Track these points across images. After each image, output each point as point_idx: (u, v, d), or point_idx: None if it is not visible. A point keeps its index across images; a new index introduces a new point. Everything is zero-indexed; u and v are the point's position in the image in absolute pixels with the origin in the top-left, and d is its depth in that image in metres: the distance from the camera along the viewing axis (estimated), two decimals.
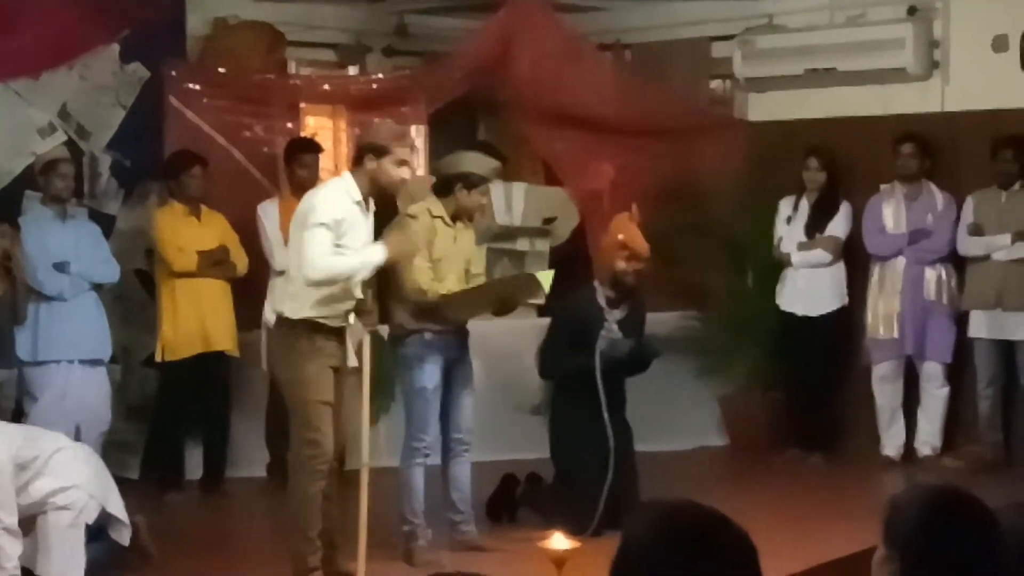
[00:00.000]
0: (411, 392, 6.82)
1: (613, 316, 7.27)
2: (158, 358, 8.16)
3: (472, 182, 6.77)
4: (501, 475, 7.66)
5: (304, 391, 6.18)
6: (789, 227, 9.13)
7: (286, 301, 6.27)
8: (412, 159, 6.89)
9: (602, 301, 7.28)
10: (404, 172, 6.36)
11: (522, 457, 8.06)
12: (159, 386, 8.32)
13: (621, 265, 7.24)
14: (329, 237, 6.09)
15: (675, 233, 9.05)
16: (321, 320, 6.16)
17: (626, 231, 7.28)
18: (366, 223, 6.29)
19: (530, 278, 7.17)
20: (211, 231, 8.22)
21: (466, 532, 6.96)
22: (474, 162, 6.89)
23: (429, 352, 6.75)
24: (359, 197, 6.20)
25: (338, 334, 6.23)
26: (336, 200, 6.17)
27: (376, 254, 6.18)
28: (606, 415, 7.13)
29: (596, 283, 7.37)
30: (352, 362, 6.26)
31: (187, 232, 8.14)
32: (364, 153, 6.23)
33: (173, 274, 8.10)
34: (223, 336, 8.16)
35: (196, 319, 8.12)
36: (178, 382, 8.17)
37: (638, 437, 7.44)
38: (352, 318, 6.21)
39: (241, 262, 8.21)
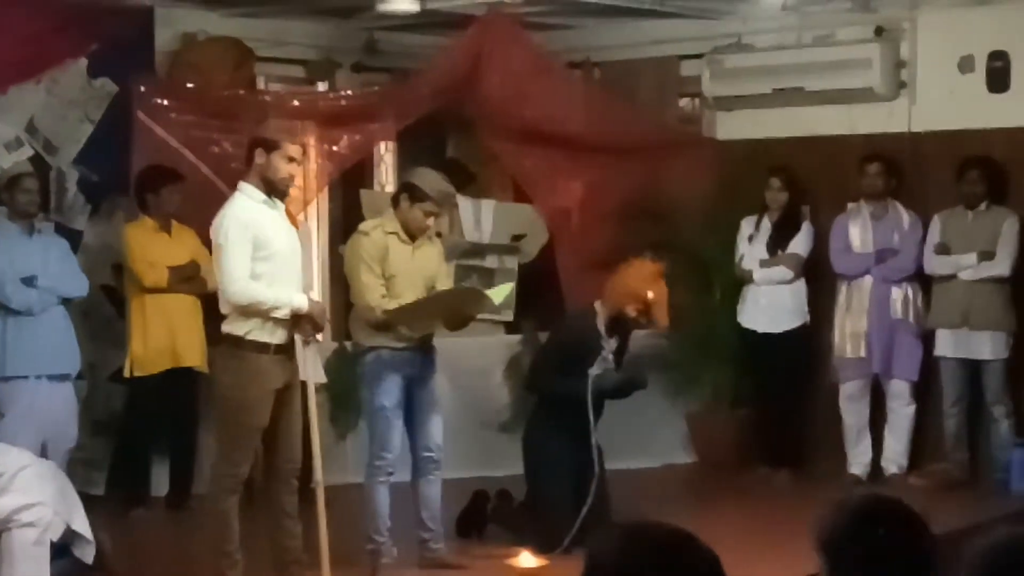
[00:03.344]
0: (371, 410, 6.80)
1: (609, 345, 7.27)
2: (127, 373, 8.12)
3: (416, 196, 6.70)
4: (468, 492, 7.64)
5: (239, 414, 6.15)
6: (751, 245, 9.17)
7: (231, 319, 6.23)
8: (304, 156, 6.76)
9: (601, 327, 7.27)
10: (293, 168, 6.30)
11: (490, 474, 8.06)
12: (127, 401, 8.28)
13: (630, 312, 7.21)
14: (247, 252, 6.06)
15: (643, 250, 9.08)
16: (266, 340, 6.14)
17: (657, 293, 7.19)
18: (280, 219, 6.23)
19: (475, 292, 7.14)
20: (182, 246, 8.19)
21: (435, 549, 6.94)
22: (422, 176, 6.83)
23: (387, 370, 6.71)
24: (262, 197, 6.17)
25: (285, 351, 6.21)
26: (240, 209, 6.14)
27: (300, 301, 6.14)
28: (594, 439, 7.13)
29: (598, 305, 7.34)
30: (307, 376, 6.25)
31: (158, 247, 8.12)
32: (253, 149, 6.19)
33: (143, 289, 8.07)
34: (192, 352, 8.13)
35: (166, 335, 8.08)
36: (147, 398, 8.14)
37: (606, 455, 7.43)
38: (297, 336, 6.20)
39: (212, 278, 8.15)
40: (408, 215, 6.73)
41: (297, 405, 6.30)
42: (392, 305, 6.62)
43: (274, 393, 6.16)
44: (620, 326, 7.30)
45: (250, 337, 6.13)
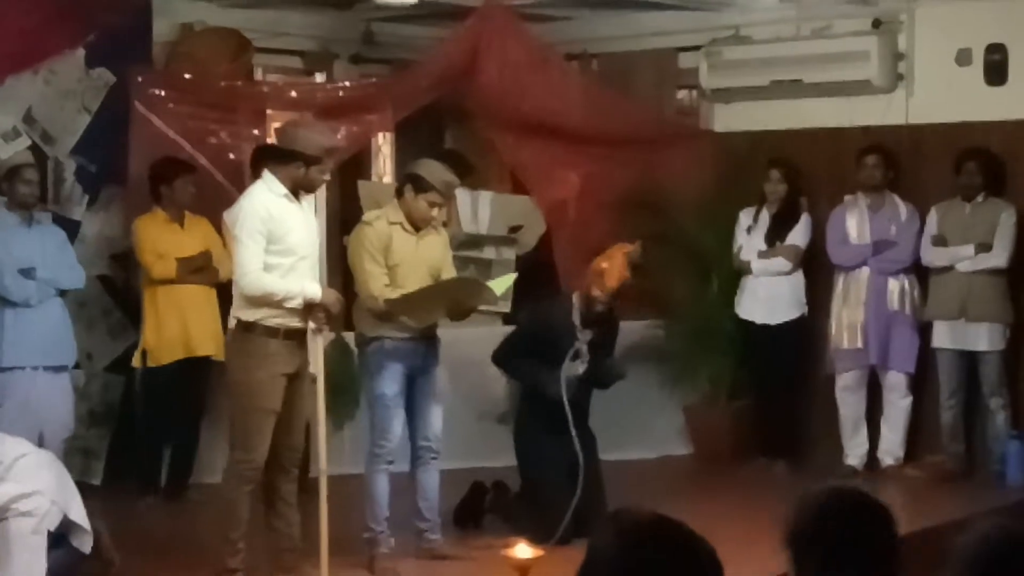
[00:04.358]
0: (372, 399, 6.82)
1: (585, 336, 7.26)
2: (137, 363, 8.13)
3: (421, 187, 6.72)
4: (465, 483, 7.65)
5: (249, 397, 6.19)
6: (749, 237, 9.18)
7: (240, 305, 6.28)
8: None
9: (576, 319, 7.27)
10: (326, 176, 6.41)
11: (487, 465, 8.06)
12: (142, 391, 8.29)
13: (595, 292, 7.22)
14: (260, 244, 6.13)
15: (640, 242, 9.09)
16: (276, 324, 6.17)
17: (611, 264, 7.22)
18: (300, 212, 6.30)
19: (476, 283, 7.15)
20: (194, 237, 8.20)
21: (432, 540, 6.95)
22: (427, 167, 6.84)
23: (389, 359, 6.73)
24: (284, 191, 6.23)
25: (296, 337, 6.24)
26: (259, 200, 6.20)
27: (313, 291, 6.21)
28: (573, 432, 7.14)
29: (575, 297, 7.34)
30: (319, 365, 6.28)
31: (168, 239, 8.12)
32: (293, 159, 6.22)
33: (154, 281, 8.08)
34: (206, 342, 8.12)
35: (179, 325, 8.09)
36: (160, 388, 8.15)
37: (603, 446, 7.45)
38: (310, 324, 6.23)
39: (224, 267, 8.16)
40: (413, 205, 6.74)
41: (305, 394, 6.32)
42: (394, 294, 6.63)
43: (284, 378, 6.19)
44: (596, 318, 7.28)
45: (260, 322, 6.16)
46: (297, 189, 6.28)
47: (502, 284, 6.97)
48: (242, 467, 6.23)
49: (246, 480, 6.24)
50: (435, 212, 6.82)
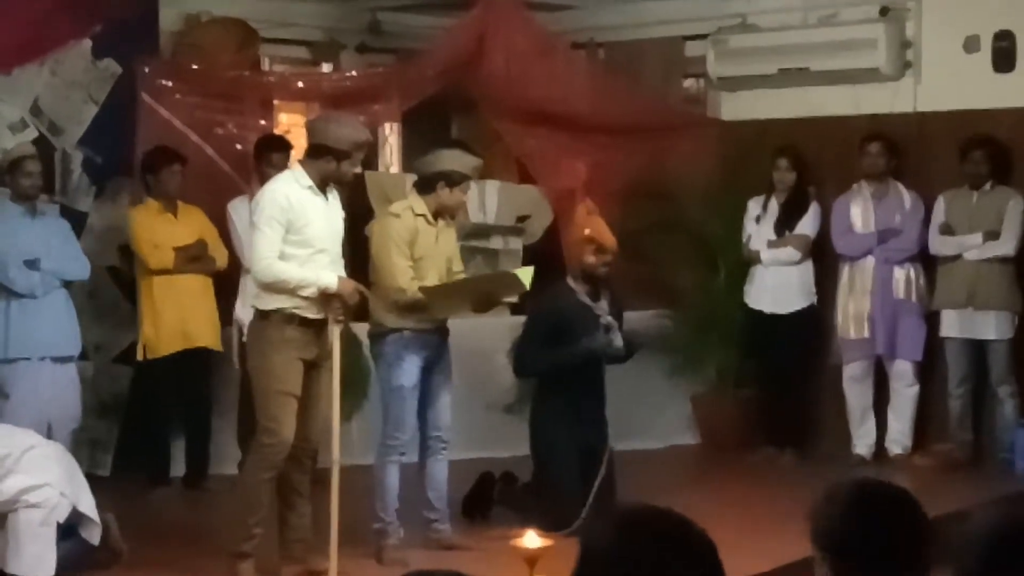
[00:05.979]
0: (389, 390, 6.82)
1: (602, 309, 7.28)
2: (140, 357, 8.13)
3: (454, 180, 6.77)
4: (473, 473, 7.65)
5: (268, 380, 6.21)
6: (758, 226, 9.16)
7: (257, 294, 6.31)
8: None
9: (584, 298, 7.27)
10: (357, 169, 6.43)
11: (495, 455, 8.06)
12: (142, 384, 8.29)
13: (590, 260, 7.23)
14: (277, 233, 6.14)
15: (647, 231, 9.09)
16: (293, 310, 6.18)
17: (592, 225, 7.28)
18: (325, 206, 6.30)
19: (510, 275, 7.17)
20: (188, 227, 8.19)
21: (441, 530, 6.96)
22: (456, 160, 6.88)
23: (408, 350, 6.74)
24: (310, 183, 6.24)
25: (313, 327, 6.24)
26: (283, 190, 6.22)
27: (328, 280, 6.20)
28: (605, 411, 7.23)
29: (570, 280, 7.35)
30: (336, 356, 6.29)
31: (163, 229, 8.11)
32: (323, 153, 6.24)
33: (151, 272, 8.07)
34: (205, 332, 8.14)
35: (177, 316, 8.09)
36: (160, 380, 8.15)
37: (610, 435, 7.44)
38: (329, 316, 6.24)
39: (220, 256, 8.18)
40: (449, 200, 6.79)
41: (322, 387, 6.33)
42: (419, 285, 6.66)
43: (301, 364, 6.20)
44: (598, 285, 7.30)
45: (276, 310, 6.19)
46: (326, 183, 6.29)
47: (527, 274, 6.97)
48: (268, 451, 6.21)
49: (271, 465, 6.22)
50: (466, 198, 6.95)
